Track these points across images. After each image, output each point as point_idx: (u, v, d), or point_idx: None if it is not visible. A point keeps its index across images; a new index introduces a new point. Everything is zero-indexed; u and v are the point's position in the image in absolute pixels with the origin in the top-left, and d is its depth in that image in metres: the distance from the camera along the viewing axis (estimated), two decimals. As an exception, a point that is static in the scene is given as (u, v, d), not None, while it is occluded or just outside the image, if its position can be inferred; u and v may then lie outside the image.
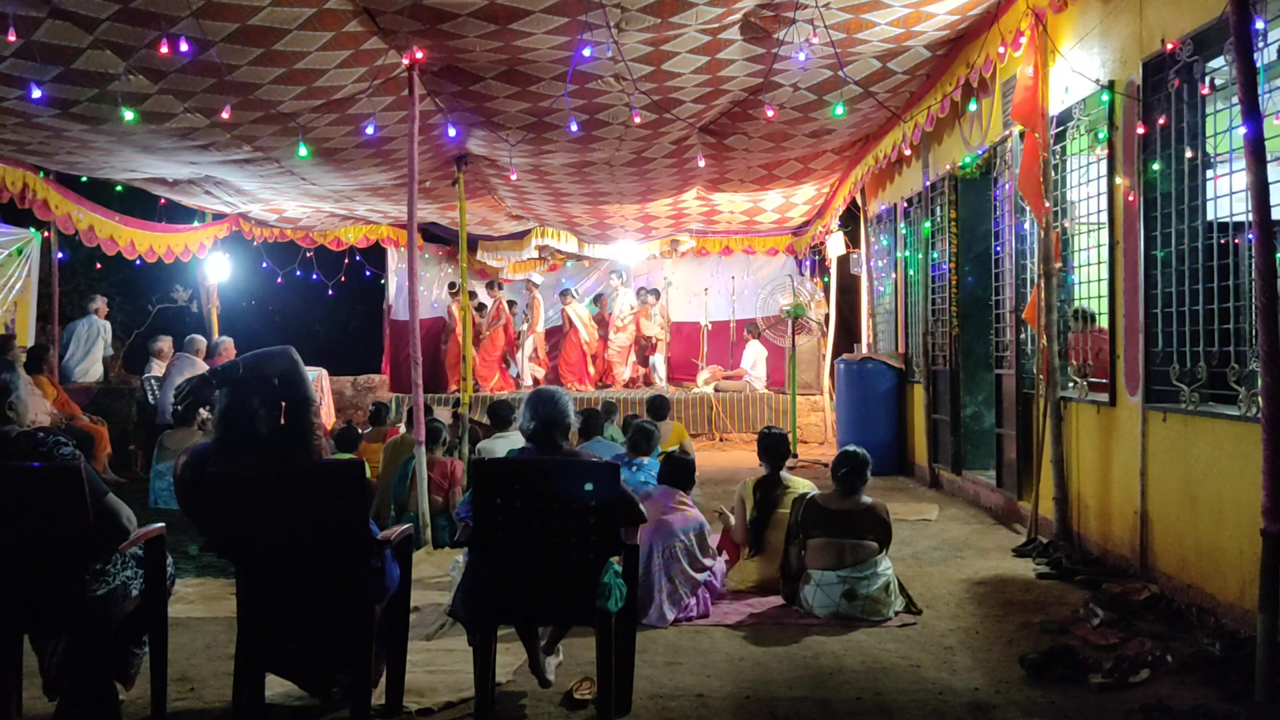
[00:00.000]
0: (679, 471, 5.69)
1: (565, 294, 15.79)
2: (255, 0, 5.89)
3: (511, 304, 15.74)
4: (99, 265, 14.75)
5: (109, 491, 3.69)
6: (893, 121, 8.86)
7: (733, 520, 6.05)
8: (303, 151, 8.14)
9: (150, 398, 10.75)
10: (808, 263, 15.44)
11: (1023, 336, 7.19)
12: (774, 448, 6.06)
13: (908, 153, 9.15)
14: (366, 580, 3.72)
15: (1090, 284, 6.49)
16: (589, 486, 3.73)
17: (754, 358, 14.76)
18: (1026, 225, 7.04)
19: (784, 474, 5.99)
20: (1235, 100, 4.37)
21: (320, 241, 14.20)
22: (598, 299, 16.17)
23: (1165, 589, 5.20)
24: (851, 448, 5.59)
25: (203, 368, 10.35)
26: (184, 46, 6.11)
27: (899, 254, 10.74)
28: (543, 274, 16.45)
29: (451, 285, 15.57)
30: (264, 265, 15.02)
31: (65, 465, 3.49)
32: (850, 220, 13.40)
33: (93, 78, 6.75)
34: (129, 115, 7.01)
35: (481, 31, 6.54)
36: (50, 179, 9.80)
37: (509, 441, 7.05)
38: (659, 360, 15.64)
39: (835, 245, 13.40)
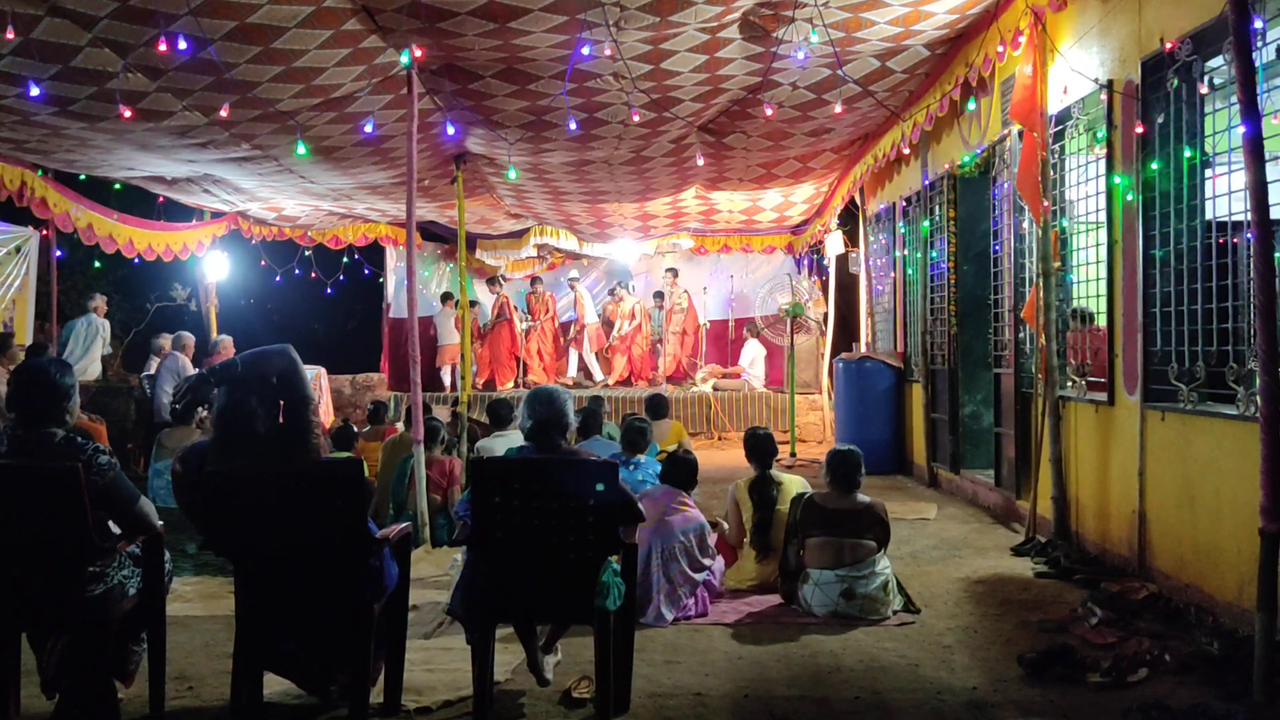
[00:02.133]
0: (682, 472, 5.68)
1: (622, 285, 15.90)
2: (254, -2, 5.90)
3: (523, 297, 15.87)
4: (97, 263, 14.75)
5: (140, 496, 3.74)
6: (891, 120, 8.86)
7: (726, 526, 6.05)
8: (301, 150, 8.14)
9: (150, 395, 10.76)
10: (806, 261, 15.45)
11: (1021, 336, 7.20)
12: (760, 448, 6.05)
13: (906, 152, 9.16)
14: (365, 579, 3.72)
15: (1089, 283, 6.49)
16: (588, 486, 3.73)
17: (752, 356, 14.77)
18: (1025, 224, 7.04)
19: (774, 473, 5.99)
20: (1234, 100, 4.37)
21: (319, 240, 14.19)
22: (612, 291, 16.18)
23: (1163, 588, 5.20)
24: (843, 447, 5.60)
25: (187, 364, 10.40)
26: (182, 44, 6.11)
27: (898, 253, 10.74)
28: (541, 272, 16.47)
29: (492, 280, 15.65)
30: (262, 264, 15.01)
31: (65, 468, 3.49)
32: (849, 219, 13.40)
33: (91, 75, 6.74)
34: (128, 113, 7.01)
35: (480, 30, 6.53)
36: (49, 177, 9.78)
37: (508, 440, 7.05)
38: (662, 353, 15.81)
39: (834, 244, 13.40)
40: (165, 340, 11.41)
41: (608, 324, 16.05)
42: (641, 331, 15.74)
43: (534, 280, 16.09)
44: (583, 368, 16.14)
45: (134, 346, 14.31)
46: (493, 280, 15.72)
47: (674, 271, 15.82)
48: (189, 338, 11.01)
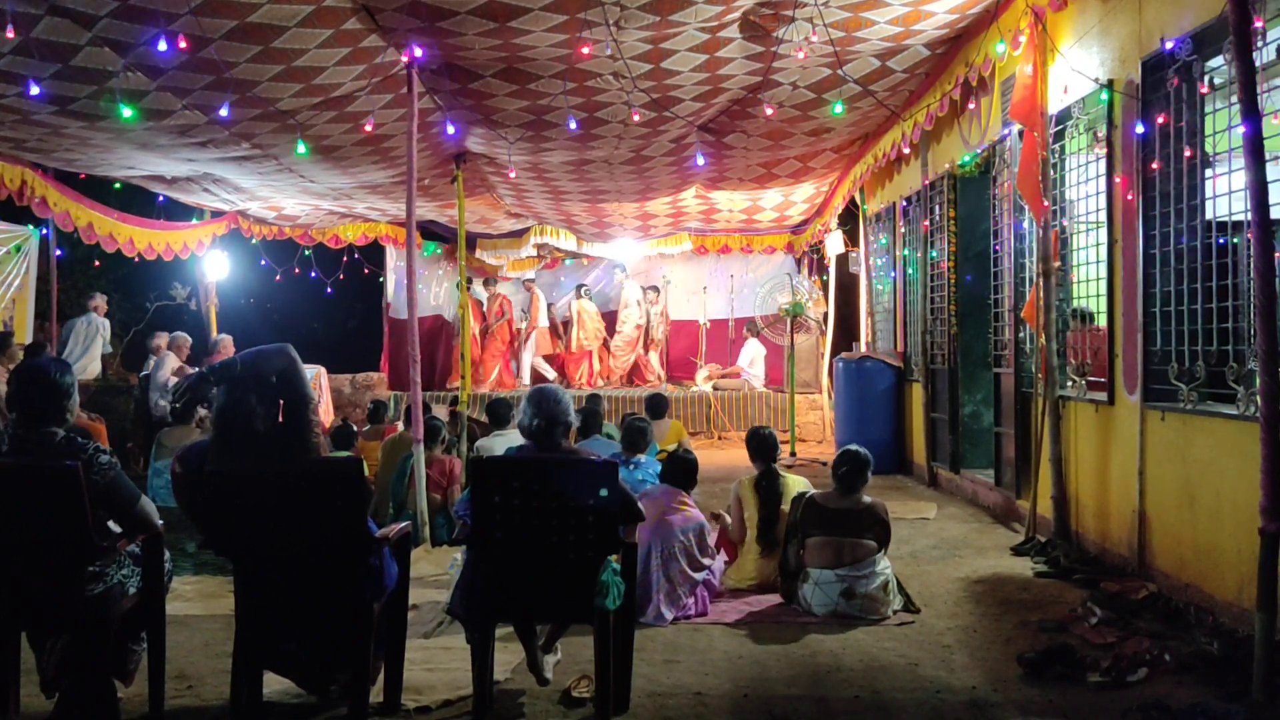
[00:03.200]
0: (681, 471, 5.68)
1: (580, 289, 15.85)
2: (254, -3, 5.89)
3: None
4: (97, 263, 14.75)
5: (141, 495, 3.75)
6: (892, 120, 8.86)
7: (729, 520, 6.04)
8: (301, 149, 8.14)
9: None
10: (806, 261, 15.45)
11: (1021, 335, 7.20)
12: (763, 446, 6.06)
13: (907, 151, 9.15)
14: (365, 578, 3.72)
15: (1089, 283, 6.49)
16: (587, 485, 3.73)
17: (751, 355, 14.77)
18: (1025, 224, 7.04)
19: (777, 470, 5.99)
20: (1234, 99, 4.37)
21: (319, 239, 14.19)
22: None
23: (1163, 588, 5.20)
24: (853, 447, 5.59)
25: (172, 363, 10.45)
26: (182, 44, 6.11)
27: (898, 253, 10.74)
28: (539, 271, 16.46)
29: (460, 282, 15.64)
30: (262, 263, 15.01)
31: (65, 467, 3.49)
32: (849, 219, 13.40)
33: (91, 74, 6.74)
34: (127, 112, 7.01)
35: (480, 29, 6.53)
36: (49, 176, 9.78)
37: (507, 439, 7.05)
38: (654, 357, 15.76)
39: (834, 244, 13.41)
40: (161, 339, 11.43)
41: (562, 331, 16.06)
42: (583, 331, 15.66)
43: (486, 281, 15.89)
44: (533, 371, 15.90)
45: (134, 346, 14.29)
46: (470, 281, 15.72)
47: (621, 269, 15.80)
48: (183, 338, 11.02)
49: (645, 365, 15.89)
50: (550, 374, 15.68)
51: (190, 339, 11.18)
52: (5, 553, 3.54)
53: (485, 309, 15.64)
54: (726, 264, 16.13)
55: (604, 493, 3.73)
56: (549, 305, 16.23)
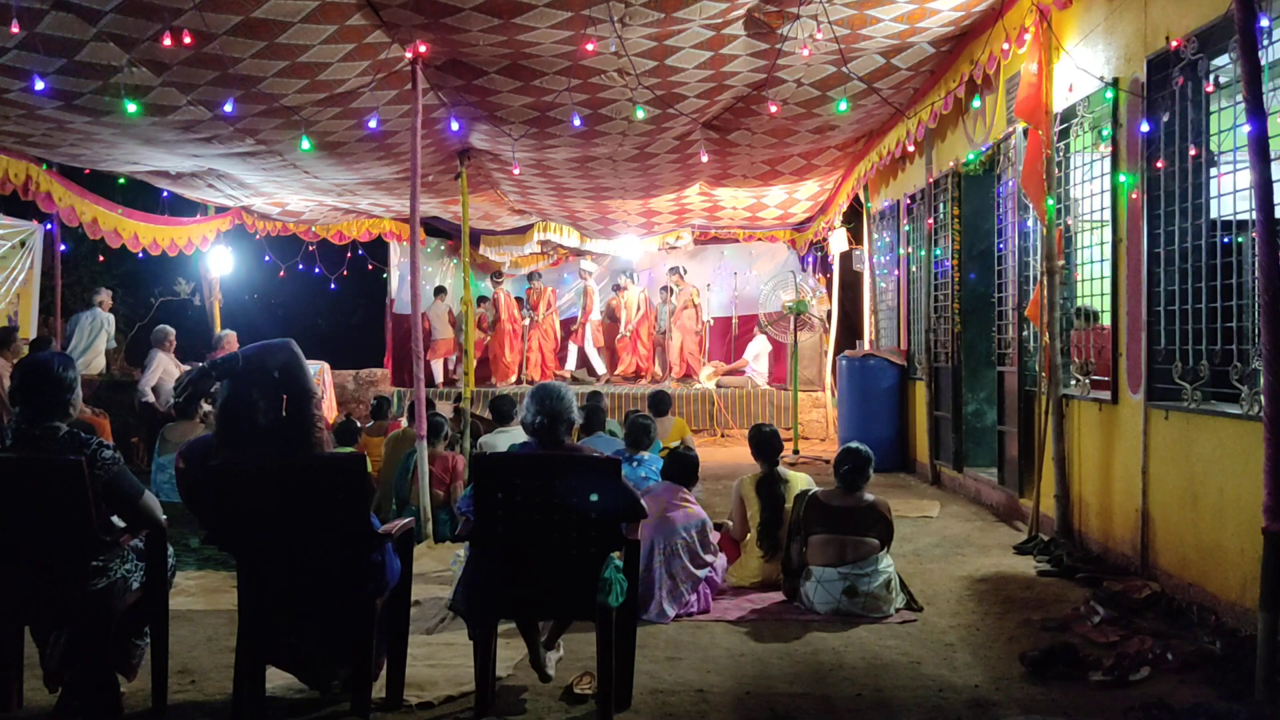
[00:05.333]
0: (682, 468, 5.68)
1: (619, 285, 15.87)
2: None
3: (517, 298, 15.86)
4: (102, 258, 14.78)
5: (144, 490, 3.76)
6: (896, 118, 8.85)
7: (730, 524, 6.04)
8: (305, 145, 8.15)
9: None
10: (810, 258, 15.43)
11: (1025, 334, 7.19)
12: (766, 444, 6.03)
13: (911, 149, 9.14)
14: (367, 574, 3.72)
15: (1093, 281, 6.48)
16: (590, 482, 3.73)
17: (757, 350, 14.81)
18: (1029, 222, 7.03)
19: (781, 470, 5.98)
20: (1239, 98, 4.36)
21: (322, 235, 14.21)
22: (616, 286, 16.13)
23: (1166, 587, 5.20)
24: (854, 444, 5.58)
25: (162, 359, 10.51)
26: (187, 39, 6.12)
27: (902, 250, 10.73)
28: (545, 268, 16.48)
29: (495, 275, 15.69)
30: (266, 259, 15.03)
31: (68, 462, 3.50)
32: (853, 216, 13.39)
33: (96, 70, 6.75)
34: (132, 107, 7.02)
35: (485, 26, 6.53)
36: (53, 171, 9.80)
37: (510, 436, 7.06)
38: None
39: (838, 241, 13.40)
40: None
41: (611, 318, 16.06)
42: (648, 321, 15.72)
43: (532, 275, 16.05)
44: (584, 363, 16.13)
45: (137, 341, 14.32)
46: (496, 275, 15.80)
47: (678, 270, 15.80)
48: (169, 332, 11.05)
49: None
50: (600, 367, 15.89)
51: (174, 333, 11.17)
52: (9, 547, 3.55)
53: (527, 302, 15.79)
54: (731, 261, 16.13)
55: (604, 495, 3.72)
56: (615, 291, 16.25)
